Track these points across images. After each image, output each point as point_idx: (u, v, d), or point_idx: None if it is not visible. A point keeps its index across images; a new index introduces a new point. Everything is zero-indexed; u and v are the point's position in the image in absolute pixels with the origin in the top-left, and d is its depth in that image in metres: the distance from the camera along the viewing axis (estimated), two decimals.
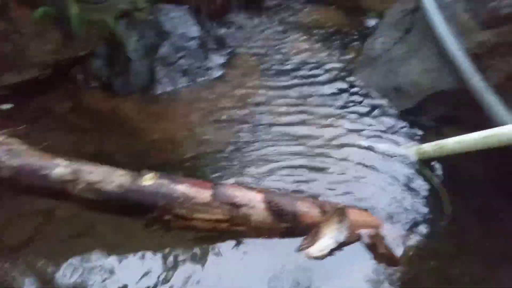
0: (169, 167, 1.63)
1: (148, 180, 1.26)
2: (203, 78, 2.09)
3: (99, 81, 2.03)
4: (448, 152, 1.39)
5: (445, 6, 1.79)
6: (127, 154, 1.74)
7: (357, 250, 1.27)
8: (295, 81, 2.12)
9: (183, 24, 2.17)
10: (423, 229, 1.36)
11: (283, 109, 1.94)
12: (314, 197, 1.41)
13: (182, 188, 1.26)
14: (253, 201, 1.26)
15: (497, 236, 1.37)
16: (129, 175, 1.28)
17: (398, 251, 1.24)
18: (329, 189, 1.47)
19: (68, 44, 1.97)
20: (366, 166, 1.58)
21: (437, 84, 1.67)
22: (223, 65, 2.20)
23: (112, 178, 1.26)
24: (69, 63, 2.01)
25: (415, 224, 1.36)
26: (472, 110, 1.52)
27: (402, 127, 1.72)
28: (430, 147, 1.43)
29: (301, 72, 2.19)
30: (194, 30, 2.19)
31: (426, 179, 1.50)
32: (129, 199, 1.23)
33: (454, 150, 1.34)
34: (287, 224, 1.26)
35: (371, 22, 2.54)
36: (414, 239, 1.32)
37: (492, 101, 1.35)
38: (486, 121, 1.42)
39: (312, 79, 2.11)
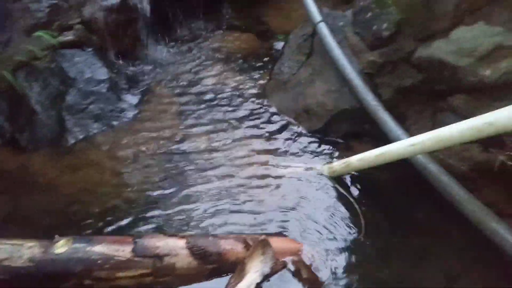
0: (90, 222, 1.57)
1: (61, 247, 1.20)
2: (117, 122, 2.04)
3: (2, 139, 1.89)
4: (353, 169, 1.51)
5: (338, 30, 1.95)
6: (45, 213, 1.64)
7: (285, 278, 1.32)
8: (213, 111, 2.16)
9: (89, 68, 2.10)
10: (343, 244, 1.45)
11: (202, 142, 1.95)
12: (236, 233, 1.44)
13: (100, 248, 1.22)
14: (176, 249, 1.25)
15: (413, 237, 1.50)
16: (39, 245, 1.21)
17: (322, 273, 1.30)
18: (250, 220, 1.52)
19: None
20: (283, 189, 1.65)
21: (339, 104, 1.80)
22: (137, 105, 2.17)
23: (20, 252, 1.18)
24: None
25: (336, 241, 1.44)
26: (373, 124, 1.66)
27: (314, 147, 1.82)
28: (338, 165, 1.53)
29: (217, 101, 2.23)
30: (102, 72, 2.13)
31: (341, 194, 1.60)
32: (42, 272, 1.16)
33: (357, 167, 1.46)
34: (213, 265, 1.27)
35: (280, 44, 2.66)
36: (336, 256, 1.40)
37: (384, 118, 1.49)
38: (385, 133, 1.56)
39: (228, 108, 2.16)
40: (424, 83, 1.61)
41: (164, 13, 2.75)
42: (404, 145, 1.16)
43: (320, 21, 1.95)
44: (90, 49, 2.20)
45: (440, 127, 1.62)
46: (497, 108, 1.44)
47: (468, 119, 0.98)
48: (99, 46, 2.27)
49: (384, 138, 1.57)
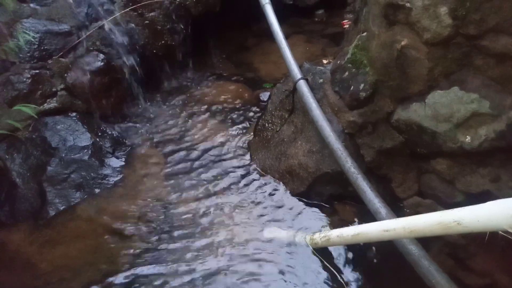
0: None
1: None
2: (99, 189, 2.01)
3: None
4: (333, 244, 1.43)
5: (318, 87, 1.92)
6: None
7: None
8: (198, 173, 2.11)
9: (72, 135, 2.10)
10: None
11: (186, 208, 1.90)
12: None
13: None
14: None
15: None
16: None
17: None
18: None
19: None
20: (266, 260, 1.58)
21: (321, 166, 1.75)
22: (121, 168, 2.14)
23: None
24: None
25: None
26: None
27: (298, 213, 1.76)
28: (319, 238, 1.46)
29: (203, 160, 2.19)
30: (85, 138, 2.12)
31: (323, 264, 1.52)
32: None
33: (337, 243, 1.39)
34: None
35: (266, 95, 2.64)
36: None
37: (363, 187, 1.43)
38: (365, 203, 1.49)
39: (213, 169, 2.12)
40: (406, 145, 1.55)
41: (151, 67, 2.77)
42: (378, 229, 1.10)
43: (300, 79, 1.92)
44: (74, 114, 2.20)
45: (427, 190, 1.57)
46: (482, 174, 1.37)
47: (438, 212, 0.91)
48: (84, 110, 2.27)
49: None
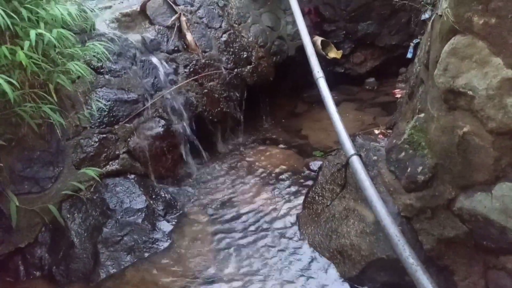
0: None
1: None
2: (149, 253, 2.04)
3: (41, 271, 1.96)
4: None
5: (372, 164, 1.89)
6: None
7: None
8: (247, 246, 2.08)
9: (129, 197, 2.20)
10: None
11: (234, 282, 1.87)
12: None
13: None
14: None
15: None
16: None
17: None
18: None
19: (8, 236, 1.93)
20: None
21: (375, 250, 1.67)
22: (171, 233, 2.18)
23: None
24: (9, 255, 1.95)
25: None
26: None
27: None
28: None
29: (252, 232, 2.17)
30: (140, 201, 2.21)
31: None
32: None
33: None
34: None
35: (316, 164, 2.63)
36: None
37: (423, 282, 1.33)
38: None
39: (262, 241, 2.08)
40: (470, 236, 1.45)
41: (206, 132, 2.90)
42: None
43: (353, 155, 1.90)
44: (132, 176, 2.32)
45: (495, 287, 1.43)
46: None
47: None
48: (142, 172, 2.39)
49: None
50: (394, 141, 1.80)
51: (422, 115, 1.71)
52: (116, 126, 2.35)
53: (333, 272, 1.78)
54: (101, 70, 2.41)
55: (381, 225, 1.61)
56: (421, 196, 1.58)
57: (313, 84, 2.52)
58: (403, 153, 1.70)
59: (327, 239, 1.89)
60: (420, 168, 1.59)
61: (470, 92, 1.37)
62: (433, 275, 1.43)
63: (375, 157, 1.89)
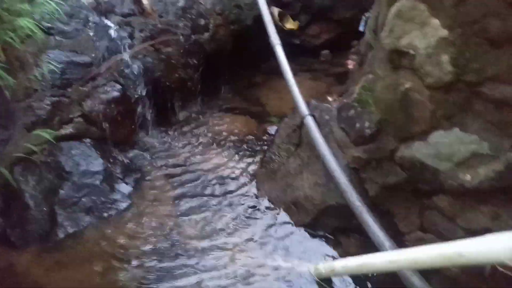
0: None
1: None
2: (108, 213, 2.05)
3: None
4: (338, 274, 1.47)
5: (324, 123, 2.01)
6: None
7: None
8: (206, 200, 2.17)
9: (85, 160, 2.17)
10: None
11: (193, 235, 1.94)
12: None
13: None
14: None
15: None
16: None
17: None
18: None
19: None
20: None
21: (327, 199, 1.81)
22: (131, 194, 2.20)
23: None
24: None
25: None
26: None
27: (303, 243, 1.80)
28: (324, 268, 1.50)
29: (210, 189, 2.25)
30: (97, 163, 2.19)
31: None
32: None
33: (342, 273, 1.42)
34: None
35: (273, 129, 2.73)
36: None
37: (367, 221, 1.48)
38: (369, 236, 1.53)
39: (220, 197, 2.17)
40: (409, 181, 1.61)
41: (163, 99, 2.89)
42: (383, 260, 1.14)
43: (308, 115, 2.02)
44: (88, 140, 2.28)
45: (429, 225, 1.62)
46: (482, 212, 1.43)
47: (441, 244, 0.97)
48: (98, 136, 2.35)
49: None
50: (345, 100, 1.93)
51: (370, 76, 1.83)
52: (69, 89, 2.28)
53: (288, 221, 1.91)
54: (52, 31, 2.31)
55: (331, 176, 1.74)
56: (368, 149, 1.73)
57: (270, 56, 2.59)
58: (352, 111, 1.83)
59: (283, 193, 2.01)
60: (367, 123, 1.72)
61: (412, 51, 1.51)
62: (377, 217, 1.59)
63: (327, 117, 2.01)
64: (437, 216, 1.56)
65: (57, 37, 2.31)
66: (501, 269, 1.37)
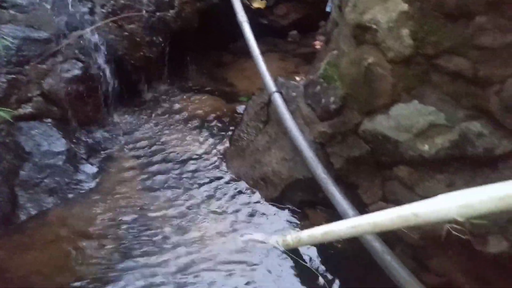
0: None
1: None
2: (73, 194, 2.00)
3: None
4: (305, 244, 1.51)
5: (291, 100, 2.03)
6: None
7: None
8: (173, 180, 2.15)
9: (46, 140, 2.09)
10: None
11: (161, 213, 1.94)
12: None
13: None
14: None
15: None
16: None
17: None
18: None
19: None
20: (240, 261, 1.63)
21: (294, 173, 1.84)
22: (96, 175, 2.15)
23: None
24: None
25: None
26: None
27: (271, 217, 1.84)
28: (291, 239, 1.54)
29: (178, 168, 2.24)
30: (60, 144, 2.12)
31: (298, 265, 1.59)
32: None
33: (308, 242, 1.47)
34: None
35: (242, 107, 2.73)
36: None
37: (332, 191, 1.53)
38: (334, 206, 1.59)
39: (188, 175, 2.17)
40: (371, 154, 1.67)
41: (128, 78, 2.81)
42: (346, 226, 1.19)
43: (275, 92, 2.03)
44: (49, 120, 2.20)
45: (390, 195, 1.69)
46: (438, 180, 1.51)
47: (398, 207, 1.02)
48: (60, 116, 2.27)
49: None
50: (311, 77, 1.95)
51: (335, 52, 1.87)
52: (26, 67, 2.18)
53: (257, 196, 1.94)
54: (4, 5, 2.18)
55: (298, 150, 1.78)
56: (333, 124, 1.77)
57: (238, 36, 2.56)
58: (318, 87, 1.86)
59: (252, 169, 2.03)
60: (333, 98, 1.76)
61: (374, 26, 1.54)
62: (342, 189, 1.65)
63: (294, 93, 2.04)
64: (397, 186, 1.63)
65: (11, 11, 2.19)
66: (454, 232, 1.46)
